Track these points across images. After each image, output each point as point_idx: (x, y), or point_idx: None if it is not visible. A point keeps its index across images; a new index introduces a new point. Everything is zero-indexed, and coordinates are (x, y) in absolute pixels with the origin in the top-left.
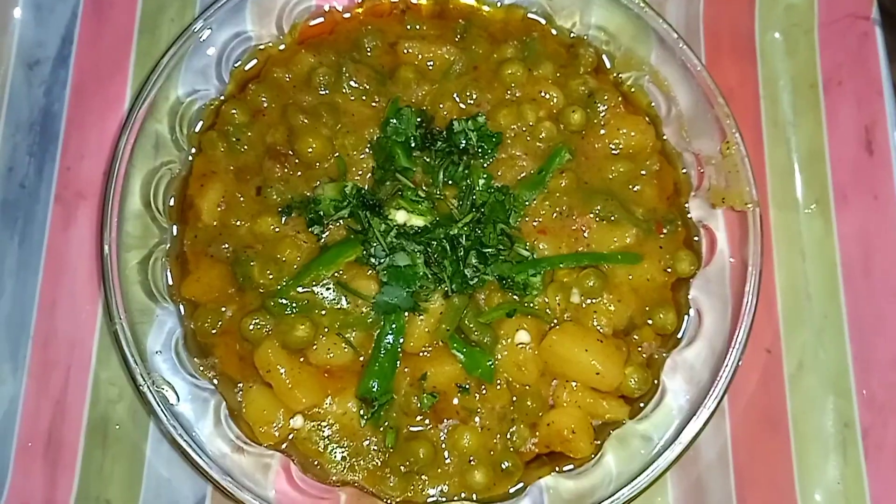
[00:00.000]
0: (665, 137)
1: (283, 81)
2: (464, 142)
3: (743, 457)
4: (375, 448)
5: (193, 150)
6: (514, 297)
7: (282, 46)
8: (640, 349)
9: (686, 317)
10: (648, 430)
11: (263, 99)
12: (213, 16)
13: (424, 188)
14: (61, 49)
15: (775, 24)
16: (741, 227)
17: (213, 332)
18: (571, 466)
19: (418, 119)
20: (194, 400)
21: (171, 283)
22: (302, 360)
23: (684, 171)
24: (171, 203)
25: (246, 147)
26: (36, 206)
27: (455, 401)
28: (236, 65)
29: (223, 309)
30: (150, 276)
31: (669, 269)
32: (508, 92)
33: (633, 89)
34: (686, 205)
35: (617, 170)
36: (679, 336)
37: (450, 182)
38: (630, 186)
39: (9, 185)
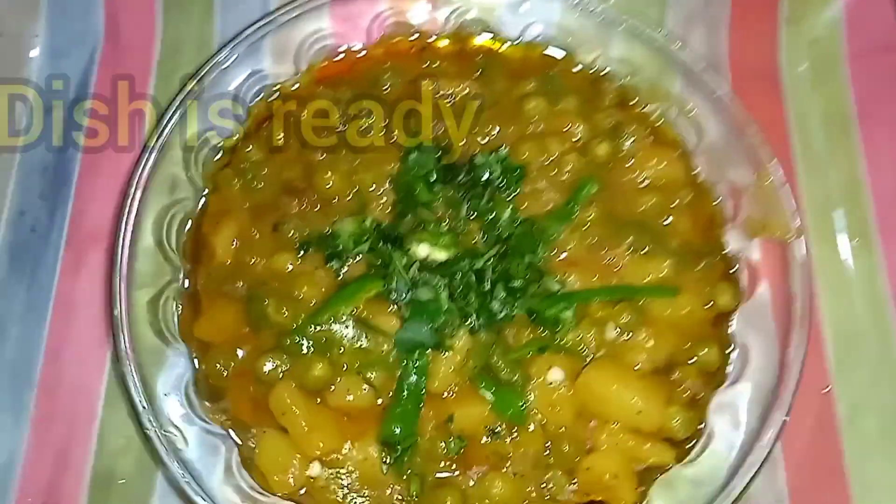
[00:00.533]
0: (697, 169)
1: (300, 117)
2: (487, 174)
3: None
4: (399, 497)
5: (207, 189)
6: (545, 333)
7: (296, 85)
8: (681, 388)
9: (730, 353)
10: (697, 475)
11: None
12: (230, 53)
13: (447, 221)
14: (78, 92)
15: (801, 57)
16: (782, 258)
17: (226, 373)
18: None
19: (438, 153)
20: (204, 446)
21: (181, 323)
22: (319, 402)
23: (718, 202)
24: (184, 241)
25: (262, 184)
26: (47, 250)
27: (484, 445)
28: (252, 103)
29: (237, 350)
30: (161, 316)
31: (710, 304)
32: (531, 126)
33: (660, 122)
34: (722, 238)
35: (647, 202)
36: (725, 373)
37: (473, 215)
38: (662, 219)
39: (19, 229)
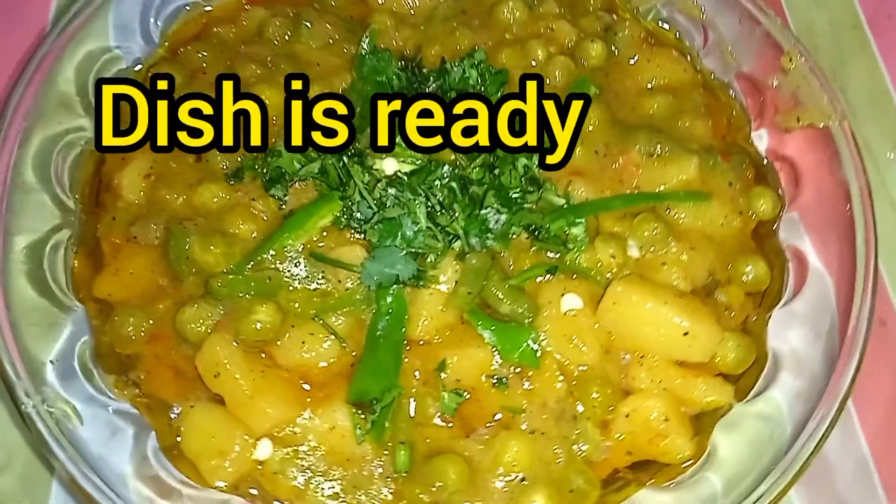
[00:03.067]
0: (703, 70)
1: (228, 37)
2: (456, 78)
3: (875, 424)
4: (382, 473)
5: None
6: (551, 254)
7: (223, 2)
8: (728, 312)
9: (784, 268)
10: (765, 411)
11: (202, 56)
12: None
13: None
14: None
15: None
16: (826, 147)
17: (135, 337)
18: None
19: (400, 62)
20: (107, 429)
21: (76, 279)
22: (265, 360)
23: (737, 101)
24: (81, 181)
25: None
26: None
27: (489, 398)
28: (168, 26)
29: (151, 307)
30: (48, 267)
31: (751, 214)
32: (507, 34)
33: (656, 24)
34: (748, 140)
35: (656, 105)
36: (779, 293)
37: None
38: (677, 123)
39: None
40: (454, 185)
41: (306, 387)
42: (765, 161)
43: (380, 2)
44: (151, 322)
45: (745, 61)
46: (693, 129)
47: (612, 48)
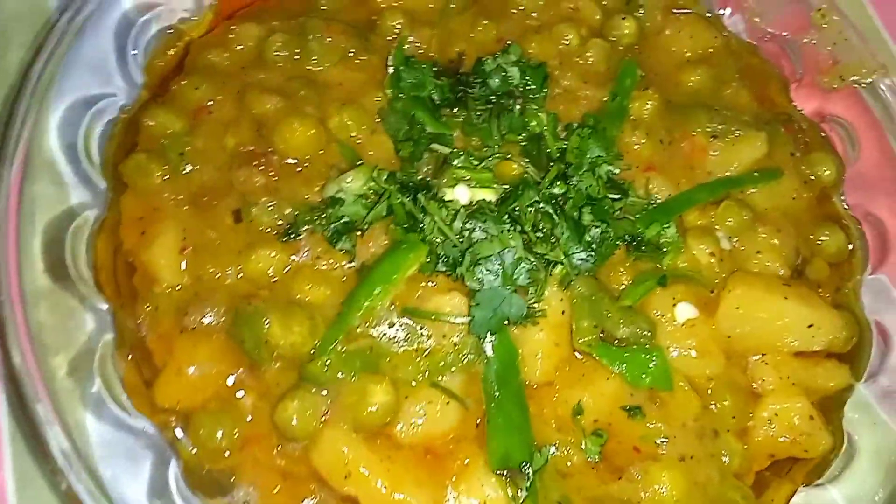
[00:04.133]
0: (730, 34)
1: (223, 65)
2: (498, 81)
3: None
4: None
5: (112, 190)
6: (650, 263)
7: (197, 19)
8: (819, 290)
9: (860, 232)
10: (889, 386)
11: (201, 92)
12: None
13: (474, 152)
14: None
15: None
16: (873, 104)
17: (228, 447)
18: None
19: (433, 66)
20: None
21: (129, 391)
22: (387, 444)
23: (773, 62)
24: (100, 272)
25: (197, 163)
26: None
27: (626, 432)
28: (147, 59)
29: (236, 405)
30: (103, 384)
31: (812, 178)
32: (528, 18)
33: None
34: (790, 101)
35: (698, 77)
36: (858, 257)
37: (505, 135)
38: (722, 94)
39: None
40: (546, 207)
41: (430, 458)
42: (814, 125)
43: (381, 1)
44: (240, 424)
45: (772, 21)
46: (738, 98)
47: (643, 19)
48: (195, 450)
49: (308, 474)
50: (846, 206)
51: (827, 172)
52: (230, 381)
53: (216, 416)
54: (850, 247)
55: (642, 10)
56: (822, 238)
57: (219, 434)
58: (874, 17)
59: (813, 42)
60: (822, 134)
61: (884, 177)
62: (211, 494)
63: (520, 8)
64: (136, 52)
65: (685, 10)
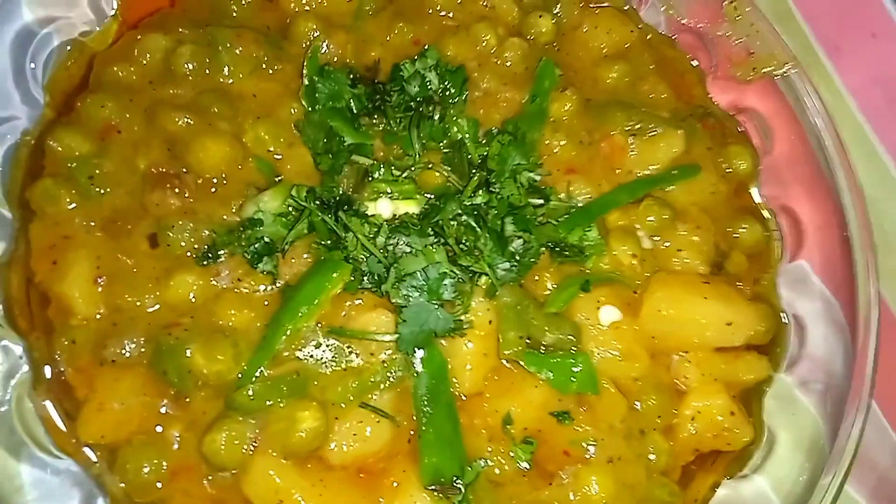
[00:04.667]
0: (646, 25)
1: (130, 80)
2: (416, 87)
3: None
4: None
5: (18, 220)
6: (574, 267)
7: (102, 30)
8: (738, 283)
9: (773, 223)
10: (806, 375)
11: (107, 110)
12: None
13: (395, 163)
14: None
15: None
16: (785, 96)
17: (156, 480)
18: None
19: (349, 75)
20: None
21: (51, 431)
22: (318, 467)
23: (688, 56)
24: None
25: (107, 186)
26: None
27: (555, 436)
28: (48, 75)
29: (161, 437)
30: (22, 429)
31: (728, 171)
32: (444, 19)
33: None
34: (706, 94)
35: (615, 73)
36: (776, 249)
37: (426, 143)
38: (639, 89)
39: None
40: (469, 220)
41: (363, 477)
42: (730, 118)
43: (292, 4)
44: (168, 455)
45: (687, 13)
46: (655, 93)
47: (556, 15)
48: (123, 485)
49: (239, 502)
50: (762, 198)
51: (743, 165)
52: (155, 413)
53: (142, 450)
54: (767, 238)
55: (559, 6)
56: (740, 231)
57: (146, 468)
58: (791, 5)
59: (727, 34)
60: (739, 127)
61: (796, 168)
62: None
63: (436, 8)
64: (34, 66)
65: (602, 5)
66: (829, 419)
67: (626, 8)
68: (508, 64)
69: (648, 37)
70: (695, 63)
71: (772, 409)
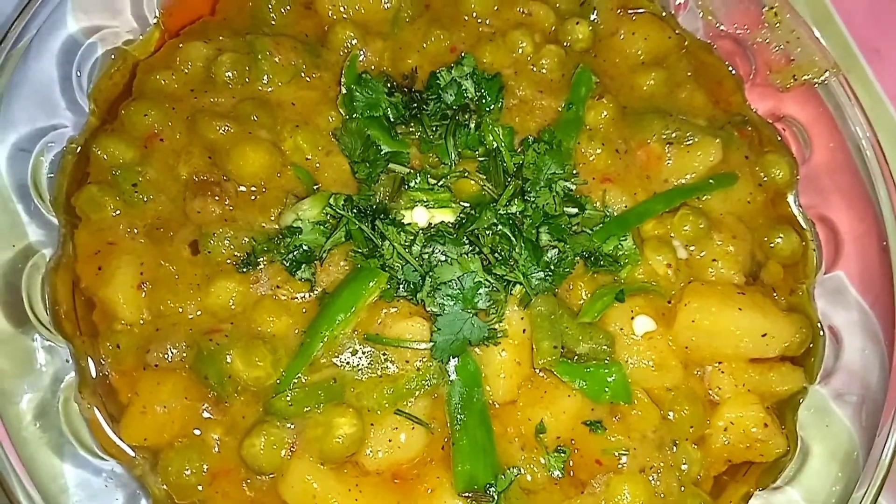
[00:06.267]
0: (683, 32)
1: (172, 88)
2: (453, 95)
3: None
4: None
5: (65, 225)
6: (608, 276)
7: (144, 38)
8: (774, 294)
9: (811, 233)
10: (841, 388)
11: (150, 118)
12: (36, 11)
13: (431, 171)
14: None
15: None
16: (825, 105)
17: (197, 483)
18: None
19: (387, 84)
20: None
21: (95, 431)
22: (354, 472)
23: (726, 63)
24: (58, 310)
25: (150, 195)
26: None
27: (589, 445)
28: (93, 83)
29: (202, 440)
30: (68, 430)
31: (765, 180)
32: (481, 25)
33: None
34: (744, 102)
35: (652, 80)
36: (814, 258)
37: (462, 152)
38: (676, 96)
39: None
40: (504, 229)
41: (398, 483)
42: (768, 125)
43: (330, 12)
44: (209, 458)
45: (726, 19)
46: (693, 100)
47: (596, 23)
48: (165, 486)
49: None
50: (800, 207)
51: (780, 174)
52: (196, 416)
53: (184, 452)
54: (804, 248)
55: (596, 12)
56: (777, 240)
57: (187, 470)
58: (831, 7)
59: (766, 41)
60: (777, 135)
61: (835, 177)
62: None
63: (472, 15)
64: (79, 74)
65: (639, 11)
66: (863, 432)
67: (663, 14)
68: (544, 71)
69: (686, 43)
70: (733, 70)
71: (805, 421)
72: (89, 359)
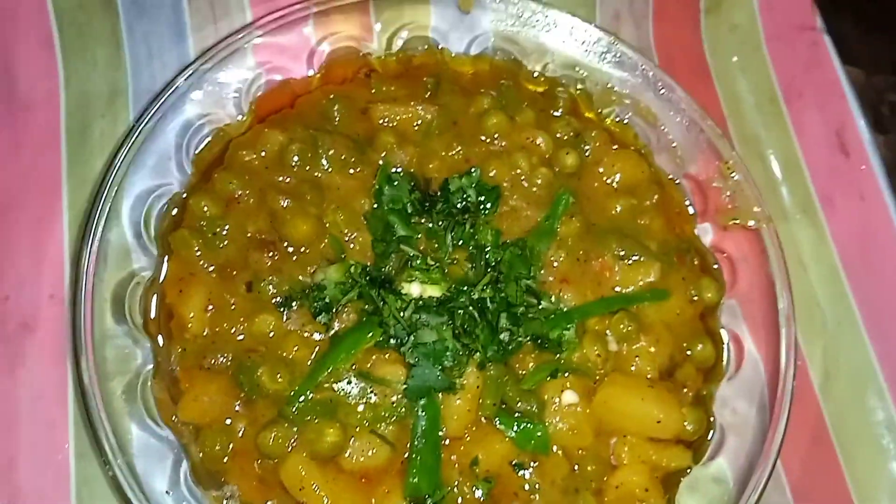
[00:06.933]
0: (657, 167)
1: (253, 164)
2: (462, 200)
3: (796, 474)
4: None
5: (163, 254)
6: (551, 356)
7: (239, 122)
8: (685, 388)
9: (725, 346)
10: (718, 471)
11: (234, 185)
12: (165, 101)
13: (431, 255)
14: None
15: (723, 43)
16: (756, 245)
17: (223, 456)
18: None
19: (410, 183)
20: None
21: (161, 407)
22: (333, 468)
23: (686, 199)
24: (150, 316)
25: (225, 242)
26: None
27: (510, 481)
28: (196, 152)
29: (231, 427)
30: (142, 404)
31: (696, 298)
32: (494, 143)
33: (617, 123)
34: (694, 232)
35: (620, 206)
36: (722, 367)
37: (459, 244)
38: (638, 222)
39: None
40: (472, 310)
41: (364, 482)
42: (709, 253)
43: (381, 120)
44: (234, 440)
45: (692, 163)
46: (652, 225)
47: (584, 150)
48: (200, 455)
49: (275, 482)
50: (722, 324)
51: (709, 295)
52: (230, 409)
53: (217, 433)
54: (716, 358)
55: (587, 146)
56: (697, 348)
57: (217, 446)
58: (799, 154)
59: (718, 186)
60: (715, 263)
61: (752, 308)
62: (208, 488)
63: (491, 134)
64: (188, 146)
65: (623, 143)
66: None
67: (643, 151)
68: (535, 189)
69: (658, 177)
70: (690, 204)
71: (684, 493)
72: (166, 355)
